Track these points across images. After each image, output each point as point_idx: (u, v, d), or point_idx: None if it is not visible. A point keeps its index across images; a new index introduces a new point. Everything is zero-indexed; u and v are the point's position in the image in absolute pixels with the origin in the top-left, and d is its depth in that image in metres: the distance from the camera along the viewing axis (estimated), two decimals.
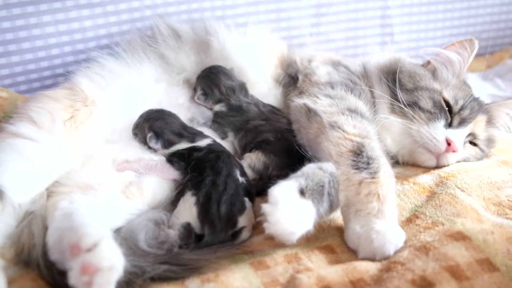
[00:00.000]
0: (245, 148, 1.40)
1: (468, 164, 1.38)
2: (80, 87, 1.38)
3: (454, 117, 1.39)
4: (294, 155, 1.30)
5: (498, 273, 0.93)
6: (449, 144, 1.32)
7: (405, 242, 1.04)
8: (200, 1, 1.84)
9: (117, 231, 1.15)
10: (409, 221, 1.14)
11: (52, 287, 1.01)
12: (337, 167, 1.13)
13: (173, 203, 1.24)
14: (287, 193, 1.02)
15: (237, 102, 1.46)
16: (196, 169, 1.22)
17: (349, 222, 1.09)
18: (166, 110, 1.38)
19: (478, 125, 1.44)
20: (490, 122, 1.48)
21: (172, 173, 1.29)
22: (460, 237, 1.00)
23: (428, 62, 1.53)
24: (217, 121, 1.45)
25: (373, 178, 1.10)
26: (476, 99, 1.46)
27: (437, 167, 1.37)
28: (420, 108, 1.38)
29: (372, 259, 1.02)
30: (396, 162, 1.40)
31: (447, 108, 1.39)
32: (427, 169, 1.37)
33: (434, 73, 1.49)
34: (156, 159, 1.33)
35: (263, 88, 1.55)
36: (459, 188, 1.22)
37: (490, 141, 1.48)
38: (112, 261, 0.92)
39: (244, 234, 1.15)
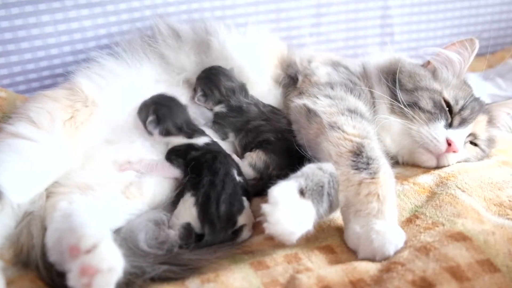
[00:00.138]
0: (246, 148, 1.40)
1: (469, 164, 1.38)
2: (80, 87, 1.37)
3: (455, 117, 1.39)
4: (294, 155, 1.30)
5: (499, 274, 0.92)
6: (449, 144, 1.32)
7: (405, 242, 1.04)
8: (200, 1, 1.84)
9: (117, 231, 1.15)
10: (409, 222, 1.14)
11: None
12: (336, 167, 1.13)
13: (173, 203, 1.24)
14: (287, 193, 1.02)
15: (237, 103, 1.45)
16: (194, 170, 1.21)
17: (349, 222, 1.09)
18: (177, 100, 1.38)
19: (478, 125, 1.43)
20: (491, 122, 1.48)
21: (172, 171, 1.29)
22: (460, 237, 1.00)
23: (428, 62, 1.53)
24: (218, 122, 1.45)
25: (372, 178, 1.09)
26: (476, 99, 1.46)
27: (437, 167, 1.37)
28: (420, 108, 1.37)
29: (372, 259, 1.02)
30: (396, 162, 1.40)
31: (447, 108, 1.39)
32: (427, 169, 1.37)
33: (434, 73, 1.49)
34: (156, 159, 1.32)
35: (263, 88, 1.54)
36: (459, 188, 1.22)
37: (490, 141, 1.47)
38: (112, 263, 0.91)
39: (245, 233, 1.15)
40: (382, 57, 1.57)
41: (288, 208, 0.99)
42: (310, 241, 1.09)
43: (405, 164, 1.43)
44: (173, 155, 1.29)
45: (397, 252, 1.01)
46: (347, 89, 1.40)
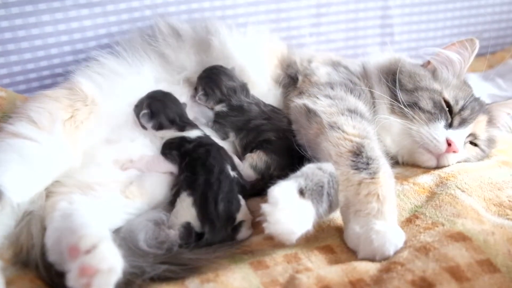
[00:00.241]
0: (246, 148, 1.40)
1: (469, 165, 1.38)
2: (80, 86, 1.37)
3: (455, 117, 1.39)
4: (295, 155, 1.30)
5: (499, 274, 0.92)
6: (449, 144, 1.32)
7: (405, 242, 1.04)
8: (200, 1, 1.84)
9: (117, 231, 1.15)
10: (409, 222, 1.14)
11: None
12: (336, 167, 1.13)
13: (171, 203, 1.24)
14: (286, 193, 1.02)
15: (238, 102, 1.45)
16: (189, 168, 1.22)
17: (348, 222, 1.09)
18: (172, 95, 1.40)
19: (478, 125, 1.43)
20: (491, 122, 1.48)
21: (167, 166, 1.29)
22: (460, 237, 1.00)
23: (428, 62, 1.53)
24: (219, 121, 1.45)
25: (372, 178, 1.09)
26: (476, 99, 1.46)
27: (437, 167, 1.36)
28: (420, 108, 1.37)
29: (372, 259, 1.02)
30: (395, 162, 1.40)
31: (447, 109, 1.39)
32: (427, 169, 1.37)
33: (434, 73, 1.49)
34: (153, 155, 1.34)
35: (263, 88, 1.54)
36: (459, 188, 1.22)
37: (491, 141, 1.47)
38: (111, 263, 0.91)
39: (245, 232, 1.15)
40: (382, 57, 1.57)
41: (288, 208, 0.99)
42: (309, 241, 1.09)
43: (405, 164, 1.43)
44: (168, 148, 1.30)
45: (397, 252, 1.01)
46: (347, 89, 1.40)
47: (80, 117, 1.31)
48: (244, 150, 1.40)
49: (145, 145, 1.37)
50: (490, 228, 1.03)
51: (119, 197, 1.23)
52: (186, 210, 1.15)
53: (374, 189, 1.08)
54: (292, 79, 1.54)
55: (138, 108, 1.36)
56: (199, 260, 1.04)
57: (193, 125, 1.35)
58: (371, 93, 1.46)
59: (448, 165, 1.36)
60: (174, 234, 1.12)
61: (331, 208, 1.09)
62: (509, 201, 1.18)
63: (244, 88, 1.49)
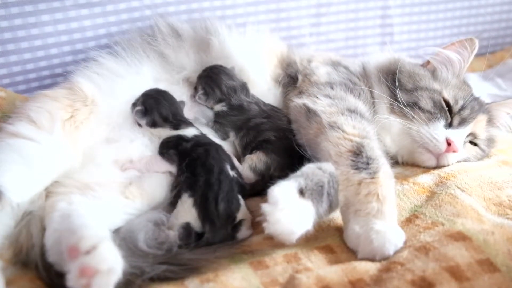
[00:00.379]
0: (246, 147, 1.39)
1: (469, 164, 1.38)
2: (80, 86, 1.37)
3: (454, 117, 1.39)
4: (295, 155, 1.29)
5: (499, 273, 0.92)
6: (449, 144, 1.32)
7: (405, 242, 1.04)
8: (199, 1, 1.84)
9: (116, 231, 1.15)
10: (408, 221, 1.14)
11: None
12: (336, 167, 1.13)
13: (172, 204, 1.24)
14: (286, 193, 1.02)
15: (238, 101, 1.45)
16: (189, 169, 1.22)
17: (348, 222, 1.09)
18: (168, 93, 1.41)
19: (478, 125, 1.43)
20: (490, 121, 1.47)
21: (165, 165, 1.29)
22: (460, 237, 1.00)
23: (428, 62, 1.53)
24: (219, 121, 1.45)
25: (372, 178, 1.09)
26: (476, 99, 1.46)
27: (437, 167, 1.37)
28: (420, 108, 1.37)
29: (371, 259, 1.02)
30: (395, 162, 1.40)
31: (447, 108, 1.39)
32: (426, 169, 1.37)
33: (434, 73, 1.49)
34: (151, 154, 1.34)
35: (263, 87, 1.54)
36: (459, 188, 1.22)
37: (490, 141, 1.47)
38: (111, 264, 0.91)
39: (245, 231, 1.15)
40: (382, 57, 1.57)
41: (288, 208, 0.99)
42: (309, 241, 1.08)
43: (405, 164, 1.43)
44: (165, 147, 1.30)
45: (396, 252, 1.01)
46: (347, 89, 1.40)
47: (80, 117, 1.32)
48: (244, 150, 1.40)
49: (145, 145, 1.37)
50: (490, 227, 1.03)
51: (118, 197, 1.22)
52: (187, 211, 1.15)
53: (374, 188, 1.08)
54: (292, 79, 1.54)
55: (133, 105, 1.38)
56: (199, 260, 1.04)
57: (188, 123, 1.35)
58: (371, 93, 1.46)
59: (448, 165, 1.36)
60: (173, 235, 1.12)
61: (331, 208, 1.09)
62: (509, 200, 1.18)
63: (244, 87, 1.49)
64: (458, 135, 1.36)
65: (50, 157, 1.20)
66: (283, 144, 1.35)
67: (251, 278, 0.98)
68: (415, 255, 0.97)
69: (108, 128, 1.37)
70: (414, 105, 1.38)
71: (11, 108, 1.43)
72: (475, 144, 1.44)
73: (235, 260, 1.06)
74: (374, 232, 1.02)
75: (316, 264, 1.02)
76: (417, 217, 1.14)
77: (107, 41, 1.70)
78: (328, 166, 1.12)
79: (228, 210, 1.13)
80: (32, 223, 1.12)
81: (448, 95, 1.41)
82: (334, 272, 0.97)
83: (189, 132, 1.32)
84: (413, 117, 1.37)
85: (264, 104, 1.47)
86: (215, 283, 0.96)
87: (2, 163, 1.13)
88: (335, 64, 1.56)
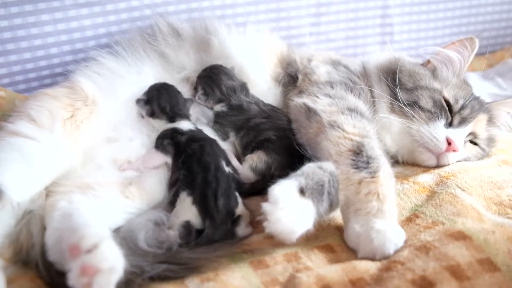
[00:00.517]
0: (246, 147, 1.40)
1: (469, 164, 1.38)
2: (81, 86, 1.37)
3: (455, 116, 1.39)
4: (295, 154, 1.29)
5: (499, 273, 0.92)
6: (449, 143, 1.32)
7: (405, 241, 1.04)
8: (199, 0, 1.84)
9: (117, 230, 1.15)
10: (409, 221, 1.14)
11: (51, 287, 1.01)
12: (336, 166, 1.13)
13: (171, 203, 1.24)
14: (287, 192, 1.02)
15: (238, 101, 1.45)
16: (184, 166, 1.23)
17: (348, 221, 1.09)
18: (174, 87, 1.43)
19: (478, 124, 1.43)
20: (491, 121, 1.47)
21: (160, 157, 1.30)
22: (460, 236, 1.00)
23: (428, 61, 1.53)
24: (219, 121, 1.45)
25: (372, 177, 1.09)
26: (476, 98, 1.46)
27: (437, 166, 1.37)
28: (420, 107, 1.37)
29: (372, 258, 1.02)
30: (396, 161, 1.40)
31: (447, 108, 1.39)
32: (427, 168, 1.37)
33: (434, 72, 1.49)
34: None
35: (263, 87, 1.54)
36: (459, 187, 1.22)
37: (490, 140, 1.47)
38: (112, 262, 0.91)
39: (245, 229, 1.16)
40: (382, 56, 1.57)
41: (288, 207, 0.99)
42: (310, 240, 1.08)
43: (405, 163, 1.43)
44: (160, 139, 1.31)
45: (397, 251, 1.01)
46: (347, 88, 1.39)
47: (81, 117, 1.32)
48: (244, 149, 1.40)
49: (144, 144, 1.37)
50: (491, 227, 1.03)
51: (118, 197, 1.23)
52: (186, 209, 1.15)
53: (374, 188, 1.07)
54: (292, 78, 1.54)
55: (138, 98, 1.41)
56: (199, 259, 1.04)
57: (183, 116, 1.37)
58: (371, 92, 1.46)
59: (448, 164, 1.36)
60: (174, 234, 1.12)
61: (331, 207, 1.09)
62: (509, 200, 1.18)
63: (243, 87, 1.49)
64: (459, 134, 1.36)
65: (51, 156, 1.20)
66: (284, 143, 1.35)
67: (251, 277, 0.98)
68: (416, 254, 0.97)
69: (108, 127, 1.37)
70: (414, 104, 1.38)
71: (11, 108, 1.43)
72: (475, 144, 1.44)
73: (235, 259, 1.05)
74: (375, 231, 1.02)
75: (316, 263, 1.02)
76: (417, 217, 1.14)
77: (107, 41, 1.70)
78: (328, 165, 1.12)
79: (227, 206, 1.13)
80: (32, 222, 1.12)
81: (448, 94, 1.41)
82: (335, 271, 0.97)
83: (183, 125, 1.33)
84: (413, 116, 1.37)
85: (264, 104, 1.47)
86: (215, 282, 0.96)
87: (3, 161, 1.13)
88: (335, 63, 1.56)
